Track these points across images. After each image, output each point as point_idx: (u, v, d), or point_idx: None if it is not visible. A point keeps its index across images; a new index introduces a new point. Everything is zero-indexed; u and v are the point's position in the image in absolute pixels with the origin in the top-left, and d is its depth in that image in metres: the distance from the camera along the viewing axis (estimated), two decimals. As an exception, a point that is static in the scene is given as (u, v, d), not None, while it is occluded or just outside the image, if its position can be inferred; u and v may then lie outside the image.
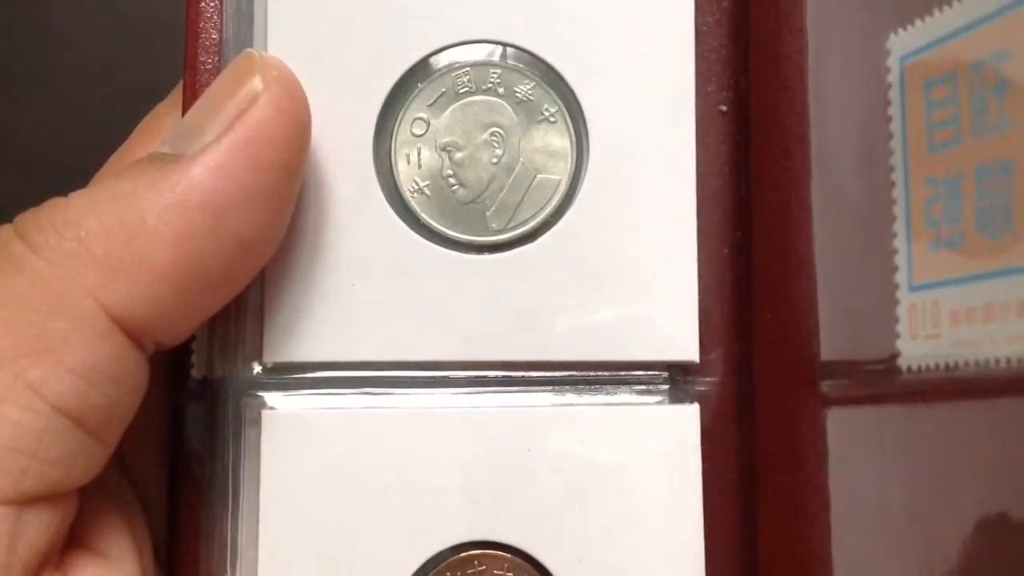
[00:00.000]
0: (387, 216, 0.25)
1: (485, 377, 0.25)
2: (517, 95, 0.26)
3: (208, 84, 0.24)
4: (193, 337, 0.25)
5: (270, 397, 0.25)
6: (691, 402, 0.26)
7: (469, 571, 0.25)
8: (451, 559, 0.25)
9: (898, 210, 0.22)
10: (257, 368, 0.25)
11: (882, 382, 0.22)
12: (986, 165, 0.20)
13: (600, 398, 0.26)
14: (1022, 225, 0.19)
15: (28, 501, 0.21)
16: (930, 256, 0.21)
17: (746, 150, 0.26)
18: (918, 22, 0.21)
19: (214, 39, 0.25)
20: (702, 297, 0.26)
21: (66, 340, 0.21)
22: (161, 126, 0.26)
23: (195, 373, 0.25)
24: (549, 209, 0.25)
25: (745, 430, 0.25)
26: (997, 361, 0.19)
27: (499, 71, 0.26)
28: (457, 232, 0.25)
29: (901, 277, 0.22)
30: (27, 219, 0.22)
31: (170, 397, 0.25)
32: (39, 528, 0.21)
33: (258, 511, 0.24)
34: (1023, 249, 0.19)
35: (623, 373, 0.26)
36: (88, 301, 0.21)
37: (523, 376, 0.25)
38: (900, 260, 0.22)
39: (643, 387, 0.26)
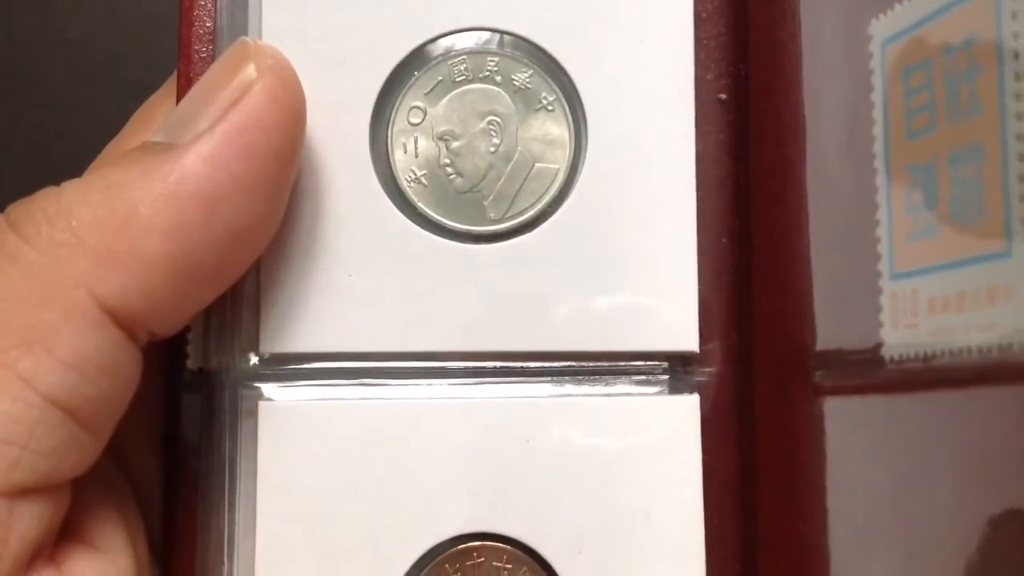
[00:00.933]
0: (384, 206, 0.25)
1: (483, 368, 0.25)
2: (515, 83, 0.25)
3: (202, 73, 0.23)
4: (188, 327, 0.25)
5: (267, 388, 0.25)
6: (690, 392, 0.25)
7: (468, 563, 0.24)
8: (449, 551, 0.24)
9: (880, 198, 0.22)
10: (253, 359, 0.25)
11: (867, 372, 0.22)
12: (958, 152, 0.19)
13: (599, 388, 0.25)
14: (993, 212, 0.19)
15: (19, 493, 0.21)
16: (910, 244, 0.21)
17: (746, 138, 0.26)
18: (897, 6, 0.21)
19: (208, 27, 0.25)
20: (701, 286, 0.25)
21: (57, 331, 0.21)
22: (156, 115, 0.26)
23: (191, 364, 0.25)
24: (547, 198, 0.25)
25: (744, 420, 0.25)
26: (969, 350, 0.19)
27: (497, 59, 0.25)
28: (454, 222, 0.25)
29: (883, 265, 0.22)
30: (19, 209, 0.22)
31: (165, 388, 0.25)
32: (31, 520, 0.21)
33: (255, 502, 0.24)
34: (994, 236, 0.18)
35: (622, 363, 0.25)
36: (80, 292, 0.21)
37: (521, 367, 0.25)
38: (882, 248, 0.22)
39: (642, 377, 0.25)
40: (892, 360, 0.21)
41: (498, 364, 0.25)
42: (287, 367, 0.25)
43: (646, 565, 0.24)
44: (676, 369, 0.25)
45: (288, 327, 0.24)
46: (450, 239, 0.25)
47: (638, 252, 0.25)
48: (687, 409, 0.25)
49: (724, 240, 0.26)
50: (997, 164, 0.18)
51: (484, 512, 0.24)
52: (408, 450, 0.24)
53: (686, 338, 0.25)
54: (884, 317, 0.21)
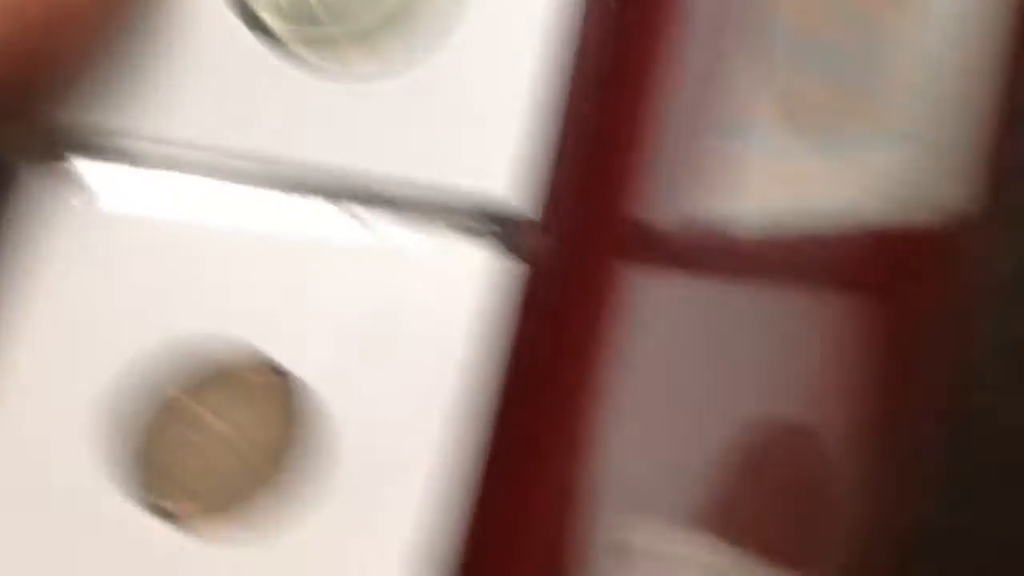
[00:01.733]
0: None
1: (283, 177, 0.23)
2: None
3: None
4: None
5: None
6: (510, 258, 0.23)
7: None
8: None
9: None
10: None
11: (668, 248, 0.20)
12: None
13: (413, 236, 0.23)
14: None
15: None
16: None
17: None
18: None
19: None
20: (545, 152, 0.23)
21: None
22: None
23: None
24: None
25: (566, 292, 0.23)
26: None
27: None
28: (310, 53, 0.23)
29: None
30: None
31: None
32: None
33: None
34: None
35: (443, 214, 0.23)
36: None
37: (324, 185, 0.23)
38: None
39: (463, 233, 0.23)
40: (697, 236, 0.20)
41: (298, 175, 0.23)
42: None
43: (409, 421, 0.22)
44: (496, 231, 0.23)
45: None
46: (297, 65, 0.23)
47: (487, 107, 0.23)
48: (503, 274, 0.23)
49: (581, 105, 0.24)
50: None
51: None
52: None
53: (516, 201, 0.23)
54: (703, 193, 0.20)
